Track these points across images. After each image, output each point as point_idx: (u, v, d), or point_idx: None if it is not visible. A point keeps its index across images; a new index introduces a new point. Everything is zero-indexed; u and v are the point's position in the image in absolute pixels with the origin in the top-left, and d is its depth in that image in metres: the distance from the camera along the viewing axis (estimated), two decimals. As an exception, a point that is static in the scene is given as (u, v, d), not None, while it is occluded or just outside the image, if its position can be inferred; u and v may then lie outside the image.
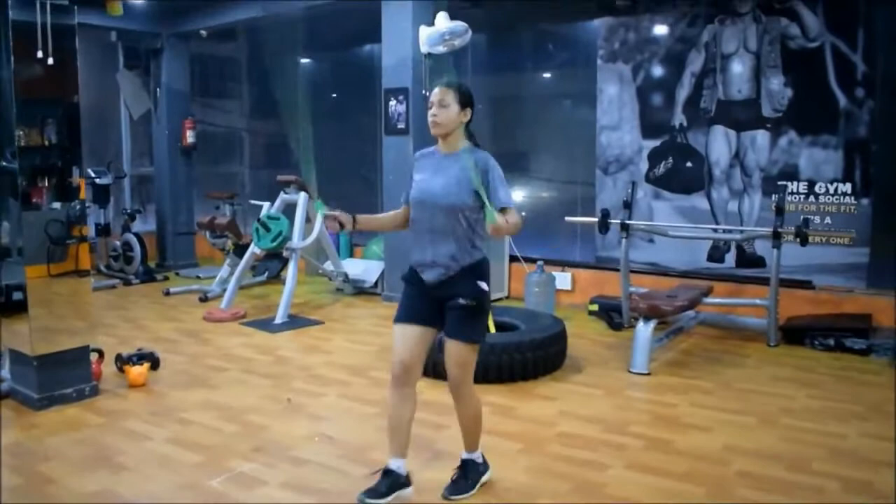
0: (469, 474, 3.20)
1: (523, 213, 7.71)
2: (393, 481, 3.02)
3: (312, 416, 4.15)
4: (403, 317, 3.08)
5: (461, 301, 2.97)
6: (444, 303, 3.01)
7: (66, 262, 4.52)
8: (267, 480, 3.32)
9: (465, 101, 3.03)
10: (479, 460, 3.24)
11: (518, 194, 7.83)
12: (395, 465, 3.04)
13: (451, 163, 3.02)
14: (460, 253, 2.98)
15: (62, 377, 4.33)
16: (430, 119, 3.02)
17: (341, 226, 3.04)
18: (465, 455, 3.22)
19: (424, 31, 6.28)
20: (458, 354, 3.01)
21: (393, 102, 6.88)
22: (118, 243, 8.69)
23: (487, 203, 2.84)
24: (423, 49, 6.30)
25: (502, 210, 2.92)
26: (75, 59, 4.43)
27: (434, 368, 4.40)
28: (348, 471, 3.41)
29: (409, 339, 3.03)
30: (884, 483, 3.25)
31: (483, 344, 3.14)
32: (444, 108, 2.99)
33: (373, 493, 2.98)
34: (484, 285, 3.01)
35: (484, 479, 3.23)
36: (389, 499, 2.99)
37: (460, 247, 2.97)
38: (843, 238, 5.63)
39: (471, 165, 2.92)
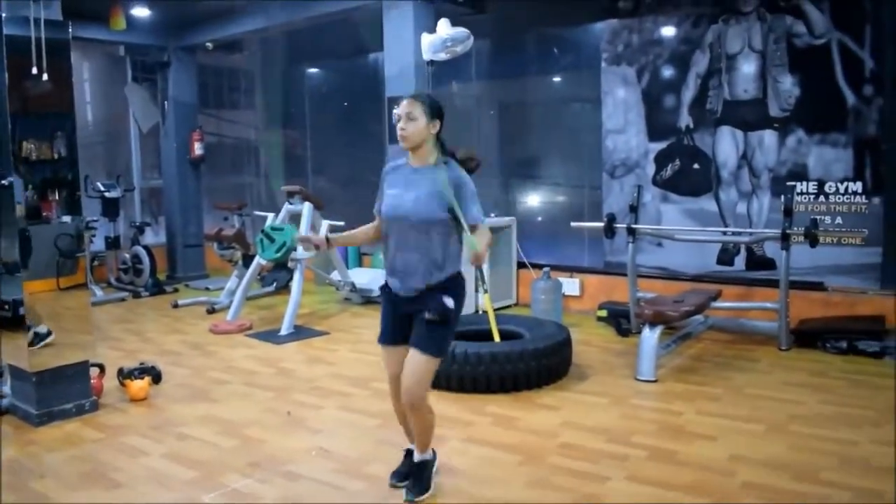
0: (424, 473, 3.24)
1: (539, 219, 7.68)
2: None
3: (311, 430, 4.10)
4: (384, 339, 3.19)
5: (427, 315, 2.98)
6: (412, 316, 3.05)
7: (76, 275, 4.53)
8: (260, 496, 3.26)
9: (433, 112, 3.01)
10: (430, 456, 3.29)
11: (526, 200, 7.76)
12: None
13: (421, 177, 3.02)
14: (431, 268, 2.99)
15: (61, 392, 4.31)
16: (398, 133, 3.01)
17: (316, 247, 3.20)
18: (417, 457, 3.25)
19: (426, 39, 6.25)
20: (417, 366, 3.01)
21: (396, 110, 6.82)
22: (128, 256, 8.71)
23: (468, 231, 2.93)
24: (426, 56, 6.27)
25: (473, 227, 2.98)
26: (70, 74, 4.44)
27: (447, 381, 4.56)
28: (343, 485, 3.36)
29: (393, 357, 3.19)
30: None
31: (445, 358, 3.20)
32: (411, 121, 2.98)
33: (397, 474, 3.31)
34: (450, 301, 2.99)
35: (435, 467, 3.31)
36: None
37: (431, 263, 2.99)
38: (855, 238, 5.52)
39: (444, 181, 2.94)
